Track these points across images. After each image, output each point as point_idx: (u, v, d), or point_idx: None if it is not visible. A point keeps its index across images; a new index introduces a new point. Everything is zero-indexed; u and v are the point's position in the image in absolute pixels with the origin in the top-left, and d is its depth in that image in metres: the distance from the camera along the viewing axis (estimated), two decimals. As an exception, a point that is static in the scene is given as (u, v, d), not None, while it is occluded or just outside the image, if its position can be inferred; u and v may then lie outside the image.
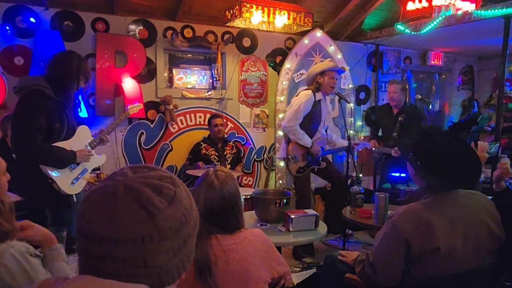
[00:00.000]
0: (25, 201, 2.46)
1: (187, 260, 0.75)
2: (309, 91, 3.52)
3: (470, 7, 3.91)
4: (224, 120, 4.49)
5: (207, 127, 4.27)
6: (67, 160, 2.41)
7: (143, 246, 0.66)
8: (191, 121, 4.44)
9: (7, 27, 3.46)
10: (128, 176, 0.71)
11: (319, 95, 3.54)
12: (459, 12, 3.89)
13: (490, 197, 1.80)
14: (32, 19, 3.54)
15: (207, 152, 4.06)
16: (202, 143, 4.15)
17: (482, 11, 3.69)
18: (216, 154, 4.08)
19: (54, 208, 2.41)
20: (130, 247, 0.65)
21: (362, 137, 5.25)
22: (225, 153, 4.14)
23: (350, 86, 5.10)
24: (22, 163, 2.35)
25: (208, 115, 4.45)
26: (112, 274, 0.66)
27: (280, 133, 4.66)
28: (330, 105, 3.64)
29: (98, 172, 3.63)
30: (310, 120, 3.52)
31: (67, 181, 2.43)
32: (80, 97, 2.71)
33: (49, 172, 2.34)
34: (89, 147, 2.60)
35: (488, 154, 2.09)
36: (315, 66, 3.68)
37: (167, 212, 0.68)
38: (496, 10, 3.60)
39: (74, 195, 2.44)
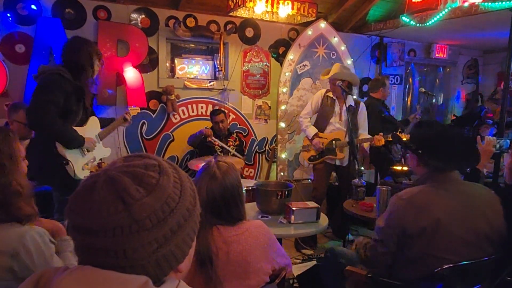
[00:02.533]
0: (36, 183, 2.56)
1: (181, 251, 0.71)
2: (324, 90, 3.81)
3: (477, -1, 3.86)
4: (226, 111, 4.47)
5: (209, 118, 4.22)
6: (76, 140, 2.52)
7: (121, 237, 0.64)
8: (193, 111, 4.42)
9: (8, 14, 3.43)
10: (115, 165, 0.70)
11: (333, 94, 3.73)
12: (466, 4, 3.84)
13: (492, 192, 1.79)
14: (33, 6, 3.50)
15: (212, 140, 4.04)
16: (206, 132, 4.12)
17: (489, 3, 3.64)
18: (219, 145, 4.07)
19: (62, 193, 2.51)
20: (110, 238, 0.64)
21: None
22: (228, 144, 4.12)
23: (353, 78, 5.06)
24: (38, 144, 2.47)
25: (210, 106, 4.43)
26: (99, 265, 0.65)
27: (282, 124, 4.66)
28: (350, 101, 3.65)
29: (99, 161, 3.63)
30: (322, 115, 3.76)
31: (80, 165, 2.58)
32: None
33: (66, 153, 2.47)
34: (98, 138, 2.79)
35: (495, 149, 2.07)
36: (338, 73, 3.69)
37: (144, 201, 0.66)
38: (503, 3, 3.55)
39: None
